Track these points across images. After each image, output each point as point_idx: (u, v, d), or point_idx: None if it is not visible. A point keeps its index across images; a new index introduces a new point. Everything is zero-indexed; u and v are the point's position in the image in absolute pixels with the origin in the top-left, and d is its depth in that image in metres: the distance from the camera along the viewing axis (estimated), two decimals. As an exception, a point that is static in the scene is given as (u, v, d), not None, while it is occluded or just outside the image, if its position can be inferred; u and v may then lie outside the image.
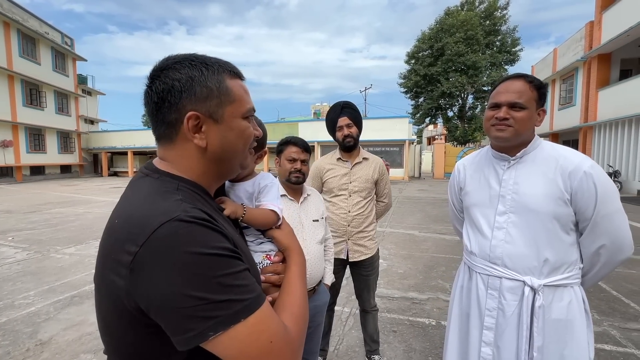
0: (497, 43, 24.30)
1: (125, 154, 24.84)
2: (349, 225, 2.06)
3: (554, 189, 1.09)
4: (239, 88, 0.63)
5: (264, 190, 0.88)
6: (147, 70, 0.62)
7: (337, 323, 2.84)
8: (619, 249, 1.09)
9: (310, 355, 1.63)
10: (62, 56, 21.73)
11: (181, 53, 0.62)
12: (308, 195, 1.65)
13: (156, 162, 0.64)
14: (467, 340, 1.26)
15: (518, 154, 1.17)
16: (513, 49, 24.16)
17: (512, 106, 1.12)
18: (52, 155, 20.74)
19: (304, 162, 1.57)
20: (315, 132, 19.43)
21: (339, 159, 2.13)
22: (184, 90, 0.57)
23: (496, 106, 1.16)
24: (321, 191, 2.17)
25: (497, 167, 1.23)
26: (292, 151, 1.56)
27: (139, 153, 25.18)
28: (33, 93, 19.19)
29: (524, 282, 1.12)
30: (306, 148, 1.58)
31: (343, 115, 2.03)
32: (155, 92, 0.58)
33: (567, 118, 15.79)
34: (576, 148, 15.43)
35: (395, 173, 18.75)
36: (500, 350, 1.16)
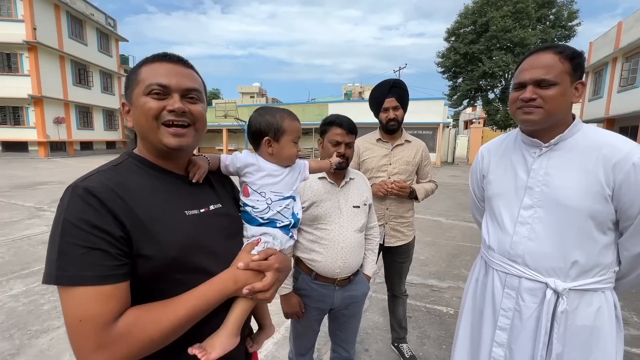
0: (551, 17, 21.81)
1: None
2: (387, 209, 1.96)
3: (592, 183, 0.94)
4: (150, 69, 0.67)
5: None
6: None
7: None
8: None
9: (346, 344, 1.58)
10: (106, 37, 22.86)
11: None
12: (351, 179, 1.49)
13: None
14: (479, 337, 1.18)
15: (552, 140, 1.01)
16: (569, 24, 21.61)
17: (539, 84, 0.95)
18: (98, 132, 22.27)
19: (349, 145, 1.39)
20: (346, 113, 18.81)
21: (379, 139, 1.99)
22: (126, 86, 0.71)
23: (521, 86, 1.00)
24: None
25: (527, 154, 1.07)
26: (336, 133, 1.38)
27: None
28: (81, 73, 20.46)
29: (546, 284, 1.00)
30: (352, 129, 1.39)
31: (391, 96, 1.85)
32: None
33: (628, 102, 14.09)
34: (636, 136, 13.92)
35: (426, 157, 18.03)
36: (513, 352, 1.07)
